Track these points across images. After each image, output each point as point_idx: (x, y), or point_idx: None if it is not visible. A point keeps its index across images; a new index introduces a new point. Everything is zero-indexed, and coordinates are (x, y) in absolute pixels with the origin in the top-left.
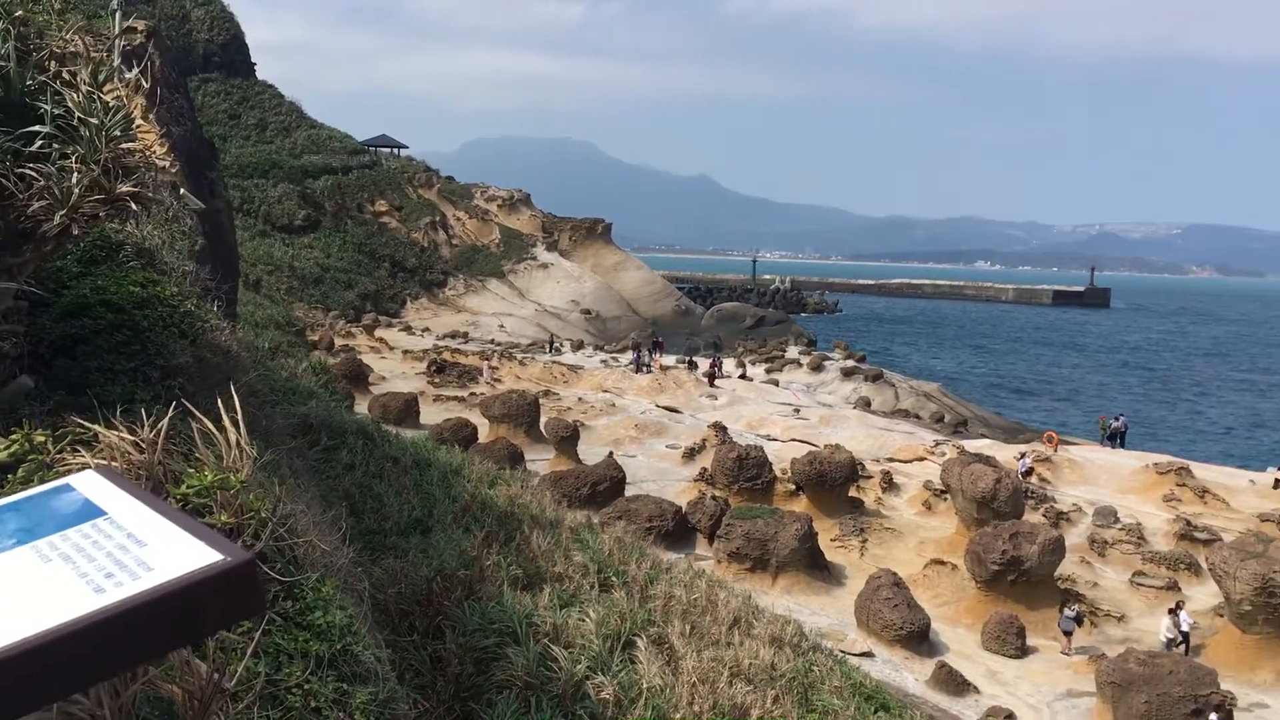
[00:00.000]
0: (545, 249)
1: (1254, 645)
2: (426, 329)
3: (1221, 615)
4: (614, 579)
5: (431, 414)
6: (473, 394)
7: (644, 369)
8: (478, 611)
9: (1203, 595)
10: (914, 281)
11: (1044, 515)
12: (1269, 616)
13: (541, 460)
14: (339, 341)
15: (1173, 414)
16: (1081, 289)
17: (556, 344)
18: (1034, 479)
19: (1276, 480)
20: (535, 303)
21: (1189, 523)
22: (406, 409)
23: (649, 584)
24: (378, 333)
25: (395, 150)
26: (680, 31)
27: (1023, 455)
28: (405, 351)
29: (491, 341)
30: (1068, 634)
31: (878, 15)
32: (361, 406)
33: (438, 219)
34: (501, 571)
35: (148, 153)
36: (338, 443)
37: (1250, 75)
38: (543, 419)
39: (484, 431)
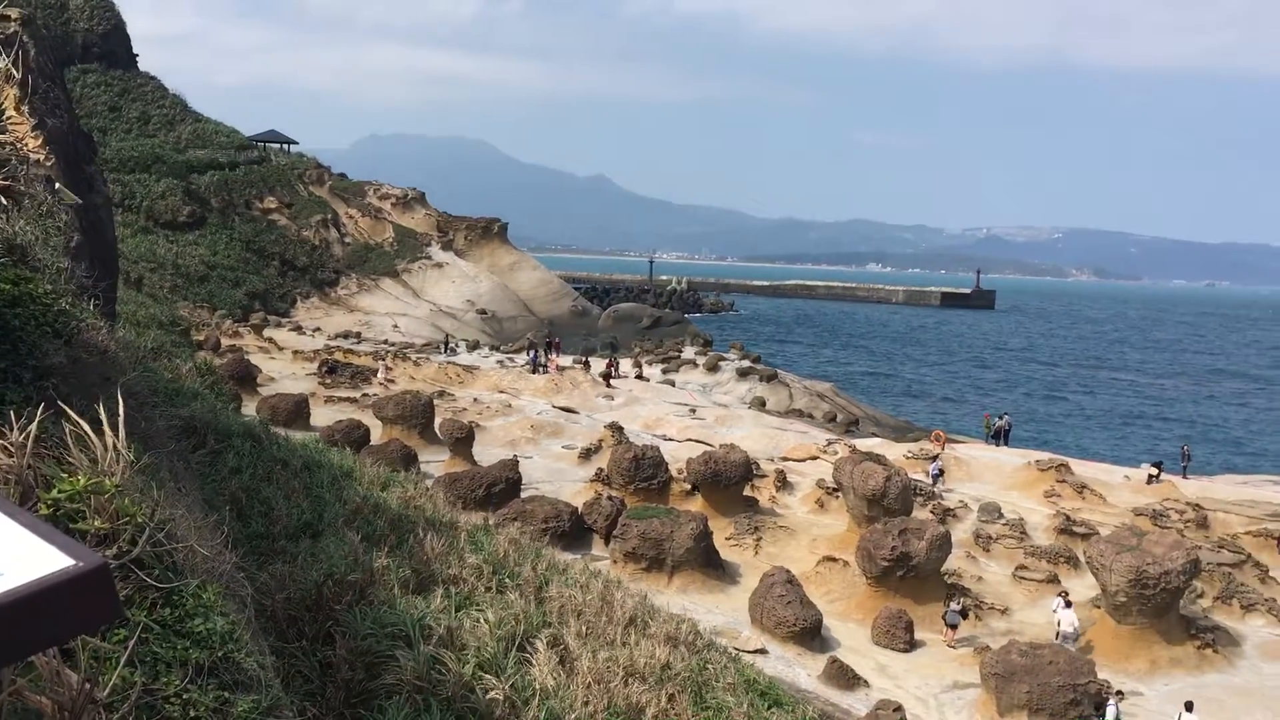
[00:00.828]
0: (440, 248)
1: (1128, 635)
2: (318, 329)
3: (1099, 607)
4: (509, 581)
5: (322, 415)
6: (365, 395)
7: (540, 369)
8: (369, 616)
9: (1081, 588)
10: (808, 283)
11: (932, 512)
12: (1142, 607)
13: (436, 462)
14: (226, 341)
15: (1055, 411)
16: (968, 291)
17: (452, 344)
18: (943, 483)
19: (1150, 476)
20: (430, 302)
21: (1068, 518)
22: (296, 410)
23: (544, 585)
24: (266, 332)
25: (285, 146)
26: (580, 32)
27: (935, 458)
28: (295, 352)
29: (385, 342)
30: (953, 627)
31: (776, 20)
32: (249, 408)
33: (329, 217)
34: (393, 575)
35: (19, 145)
36: (224, 445)
37: (1130, 85)
38: (437, 420)
39: (377, 433)
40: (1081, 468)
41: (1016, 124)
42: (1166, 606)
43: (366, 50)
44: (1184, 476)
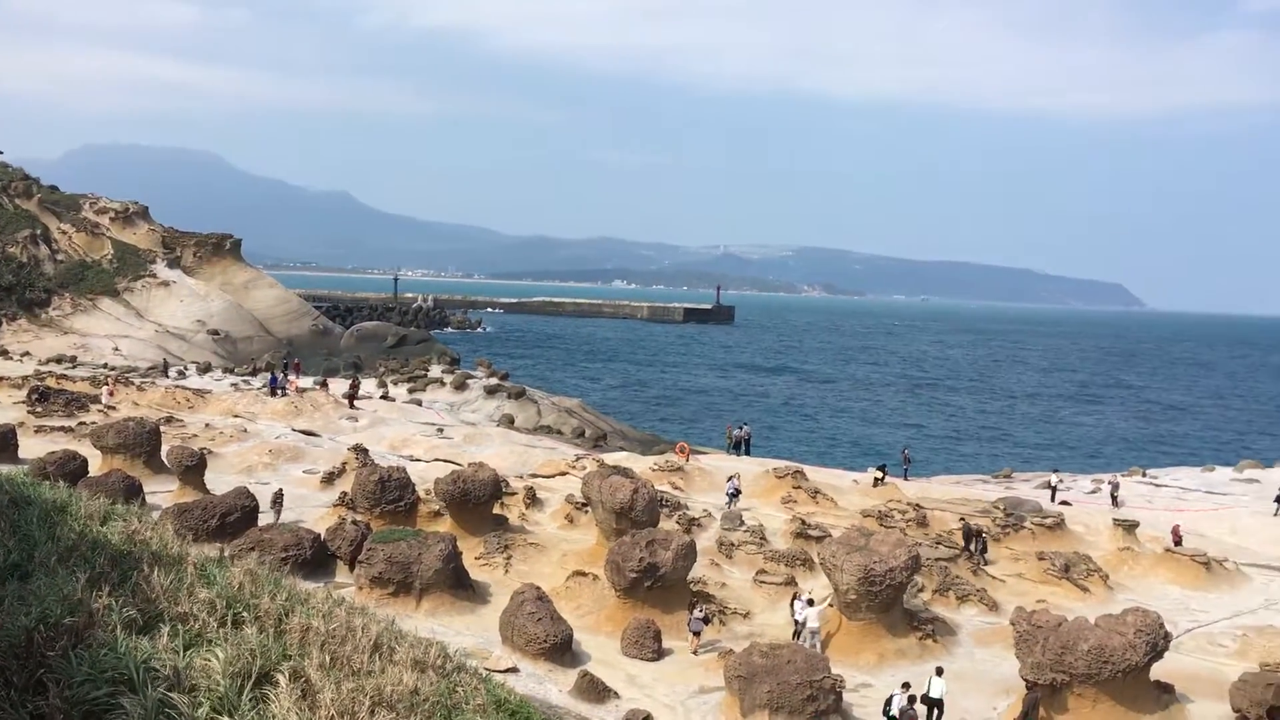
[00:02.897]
0: (166, 266)
1: (858, 631)
2: (26, 353)
3: (832, 606)
4: (245, 614)
5: (33, 447)
6: (82, 424)
7: (279, 391)
8: (86, 660)
9: (817, 588)
10: (555, 300)
11: (678, 522)
12: (870, 604)
13: (164, 492)
14: None
15: (792, 419)
16: (709, 306)
17: (180, 367)
18: (759, 504)
19: (876, 479)
20: (155, 323)
21: (804, 522)
22: (2, 443)
23: (284, 617)
24: None
25: None
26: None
27: (731, 477)
28: (1, 378)
29: (105, 366)
30: (696, 634)
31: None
32: None
33: (38, 232)
34: (115, 615)
35: None
36: None
37: (852, 113)
38: (164, 448)
39: (96, 464)
40: (815, 474)
41: (750, 147)
42: (892, 601)
43: (72, 54)
44: (905, 478)
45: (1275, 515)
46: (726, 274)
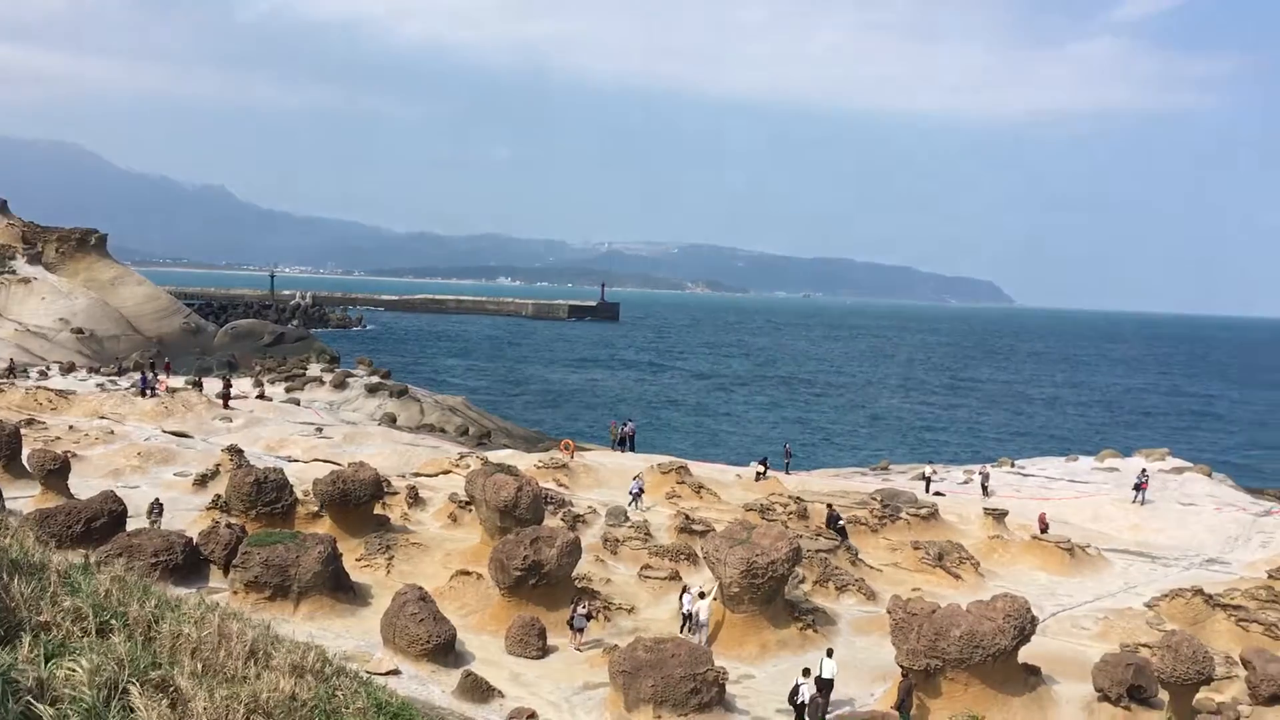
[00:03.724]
0: (26, 262)
1: (741, 623)
2: None
3: (716, 599)
4: (113, 622)
5: None
6: None
7: (149, 392)
8: None
9: (701, 582)
10: (439, 297)
11: (562, 519)
12: (753, 596)
13: (25, 498)
14: None
15: (677, 415)
16: (594, 304)
17: (42, 367)
18: (645, 500)
19: (758, 474)
20: (15, 321)
21: (688, 517)
22: None
23: (154, 624)
24: None
25: None
26: (189, 34)
27: (636, 476)
28: None
29: None
30: (580, 630)
31: (405, 31)
32: None
33: None
34: None
35: None
36: None
37: (736, 111)
38: (25, 451)
39: None
40: (699, 469)
41: (636, 144)
42: (774, 593)
43: None
44: (787, 472)
45: (1133, 502)
46: (612, 271)
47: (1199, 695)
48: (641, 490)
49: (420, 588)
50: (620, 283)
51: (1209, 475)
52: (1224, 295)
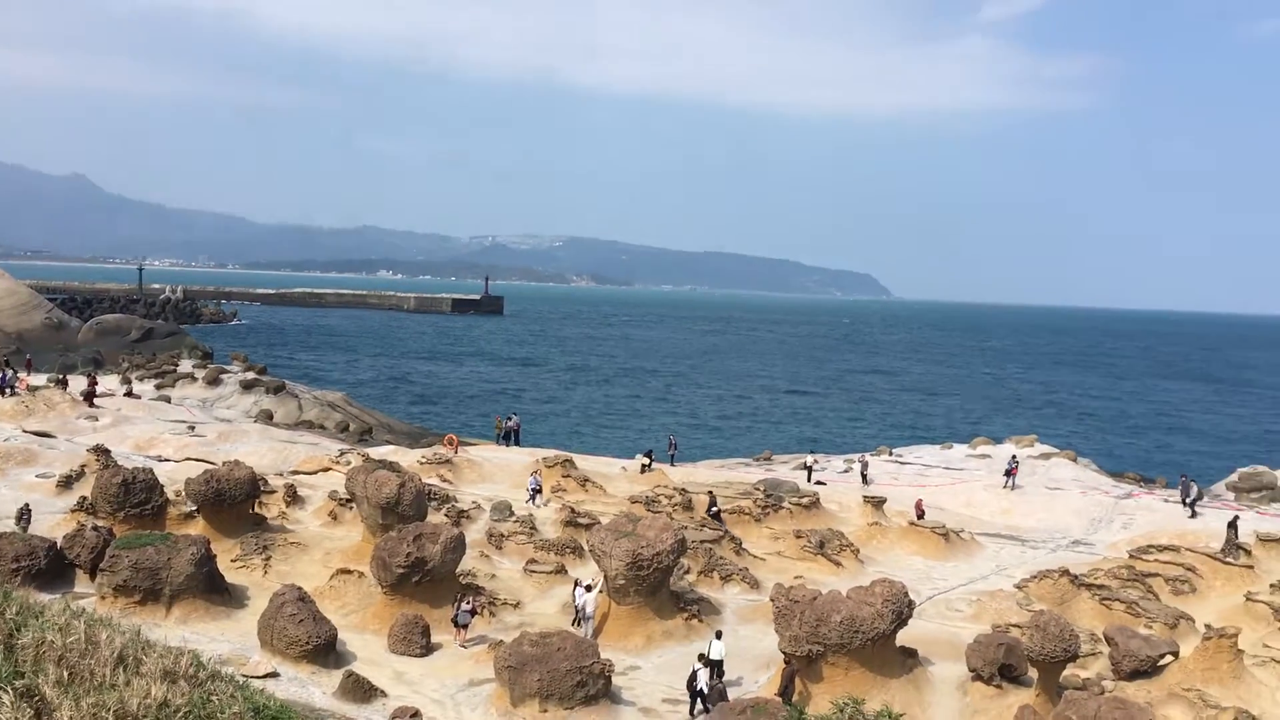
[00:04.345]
0: None
1: (627, 615)
2: None
3: (603, 592)
4: None
5: None
6: None
7: (8, 390)
8: None
9: (586, 575)
10: (317, 291)
11: (446, 515)
12: (639, 587)
13: None
14: None
15: (562, 409)
16: (478, 297)
17: None
18: (550, 497)
19: (643, 466)
20: None
21: (573, 510)
22: None
23: (16, 632)
24: None
25: None
26: (52, 16)
27: (533, 474)
28: None
29: None
30: (464, 626)
31: (278, 20)
32: None
33: None
34: None
35: None
36: None
37: (618, 106)
38: None
39: None
40: (584, 462)
41: (518, 137)
42: (659, 584)
43: None
44: (672, 464)
45: (1004, 488)
46: (495, 264)
47: (1066, 672)
48: (539, 487)
49: (299, 588)
50: (504, 276)
51: (1074, 460)
52: (1087, 288)
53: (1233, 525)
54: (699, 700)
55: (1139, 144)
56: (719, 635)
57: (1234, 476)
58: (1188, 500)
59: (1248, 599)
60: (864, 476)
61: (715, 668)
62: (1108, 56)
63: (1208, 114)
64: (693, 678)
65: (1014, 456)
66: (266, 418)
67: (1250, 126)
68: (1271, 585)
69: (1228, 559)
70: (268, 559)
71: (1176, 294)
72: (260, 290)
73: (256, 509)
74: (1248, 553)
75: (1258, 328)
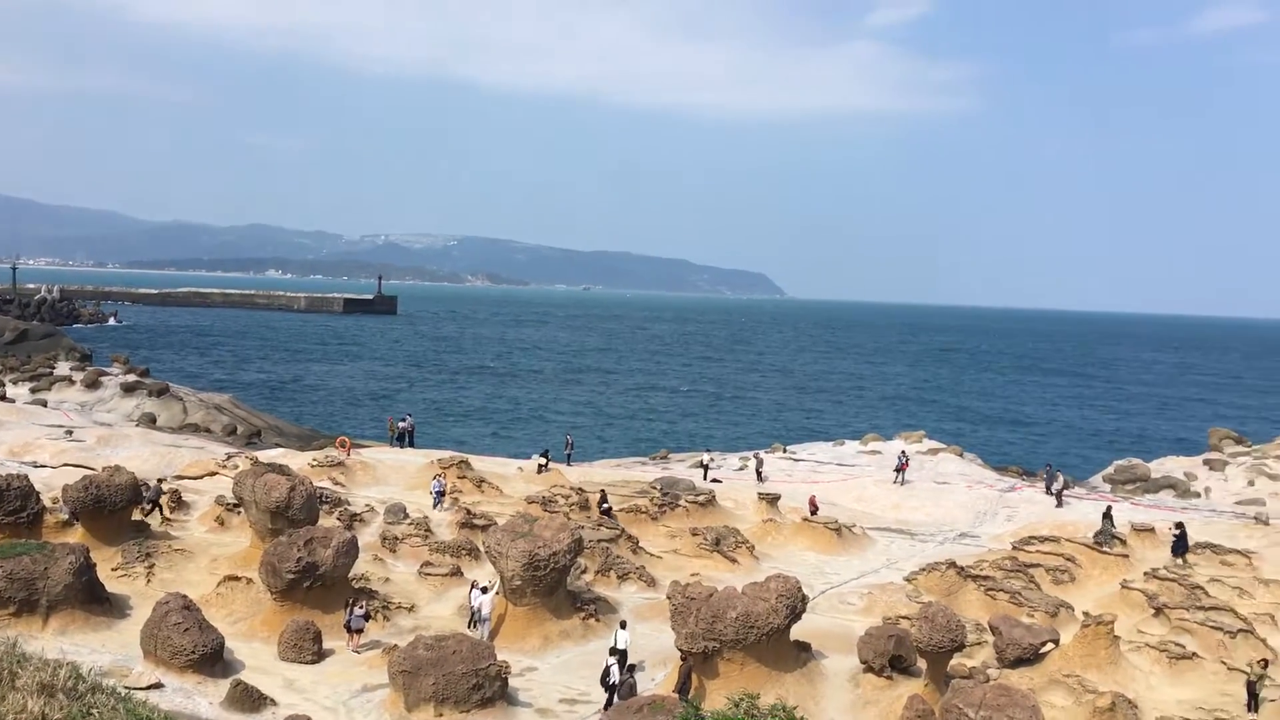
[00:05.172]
0: None
1: (524, 616)
2: None
3: (499, 594)
4: None
5: None
6: None
7: None
8: None
9: (483, 577)
10: (202, 290)
11: (339, 518)
12: (535, 588)
13: None
14: None
15: (457, 409)
16: (371, 297)
17: None
18: (448, 501)
19: (539, 466)
20: None
21: (469, 511)
22: None
23: None
24: None
25: None
26: None
27: (436, 476)
28: None
29: None
30: (358, 631)
31: (157, 12)
32: None
33: None
34: None
35: None
36: None
37: (511, 105)
38: None
39: None
40: (480, 463)
41: (409, 135)
42: (556, 585)
43: None
44: (569, 464)
45: (895, 483)
46: (389, 264)
47: (953, 661)
48: (444, 491)
49: (184, 596)
50: (398, 276)
51: (960, 455)
52: (975, 287)
53: (1108, 516)
54: (614, 696)
55: (1022, 147)
56: (623, 625)
57: (1110, 469)
58: (1052, 489)
59: (1123, 587)
60: (759, 474)
61: (621, 657)
62: (991, 62)
63: (1087, 118)
64: (605, 673)
65: (903, 452)
66: (149, 421)
67: (1128, 130)
68: (1145, 573)
69: (1104, 548)
70: (151, 567)
71: (1057, 293)
72: (143, 290)
73: (139, 515)
74: (1123, 542)
75: (1131, 324)
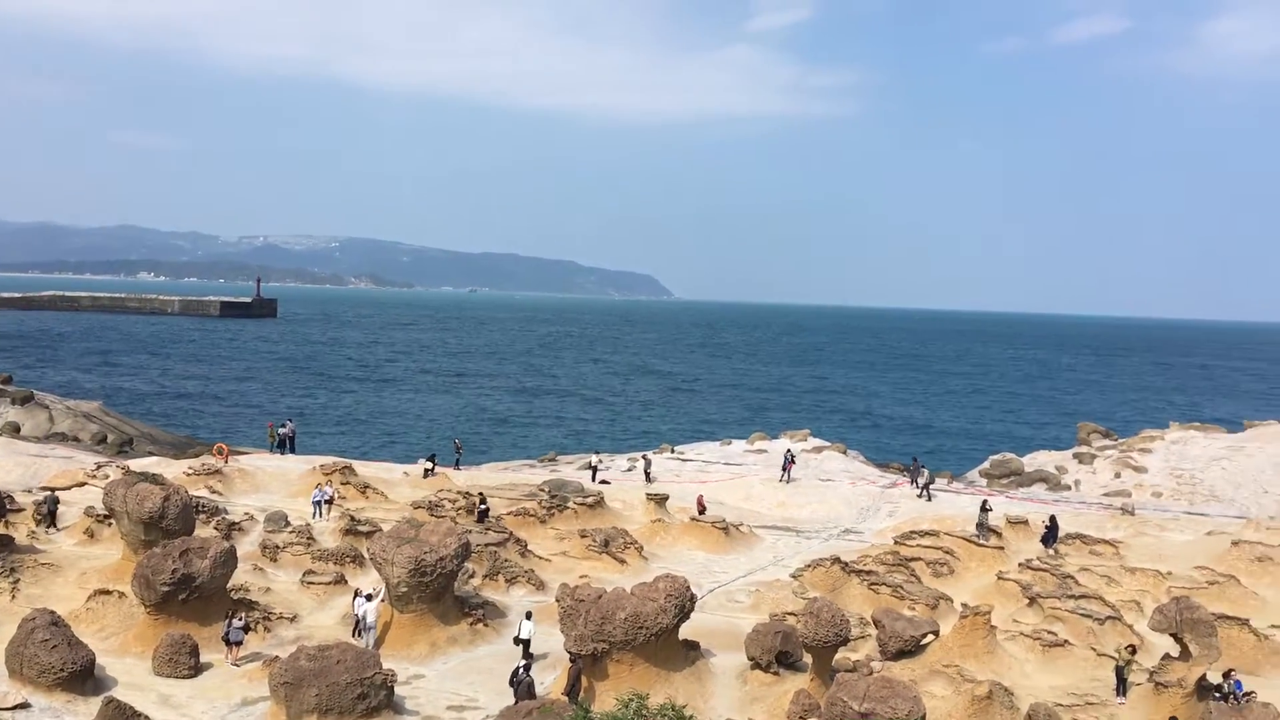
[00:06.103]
0: None
1: (410, 623)
2: None
3: (384, 600)
4: None
5: None
6: None
7: None
8: None
9: (368, 585)
10: (69, 294)
11: (216, 528)
12: (422, 594)
13: None
14: None
15: (340, 414)
16: (249, 300)
17: None
18: (326, 513)
19: (426, 470)
20: None
21: (353, 518)
22: None
23: None
24: None
25: None
26: None
27: (319, 485)
28: None
29: None
30: (237, 644)
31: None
32: None
33: None
34: None
35: None
36: None
37: (392, 104)
38: None
39: None
40: (364, 468)
41: (287, 134)
42: (443, 590)
43: None
44: (457, 468)
45: (780, 481)
46: (268, 266)
47: (838, 655)
48: (331, 499)
49: (52, 611)
50: (277, 278)
51: (844, 453)
52: (861, 287)
53: (985, 509)
54: (523, 697)
55: (901, 150)
56: (529, 615)
57: (986, 464)
58: (918, 483)
59: (999, 578)
60: (647, 475)
61: (524, 646)
62: (868, 68)
63: (959, 122)
64: (514, 674)
65: (789, 451)
66: (13, 430)
67: (999, 134)
68: (1020, 564)
69: (981, 541)
70: (15, 582)
71: (946, 293)
72: (3, 294)
73: (3, 529)
74: (999, 535)
75: (1003, 324)
